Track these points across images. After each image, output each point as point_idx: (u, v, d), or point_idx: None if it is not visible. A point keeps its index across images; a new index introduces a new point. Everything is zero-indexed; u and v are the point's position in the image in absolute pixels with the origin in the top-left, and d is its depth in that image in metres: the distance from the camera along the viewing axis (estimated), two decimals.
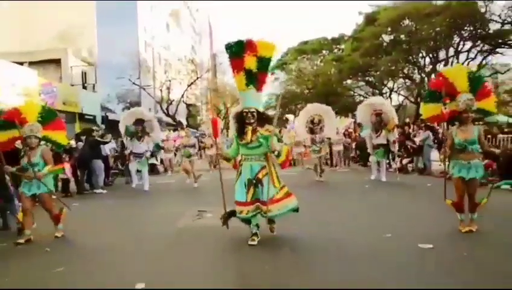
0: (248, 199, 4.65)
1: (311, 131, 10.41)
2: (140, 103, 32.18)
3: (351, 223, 5.65)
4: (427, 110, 5.30)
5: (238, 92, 4.89)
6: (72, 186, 9.89)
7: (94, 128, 11.49)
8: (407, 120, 17.82)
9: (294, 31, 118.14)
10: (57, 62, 23.81)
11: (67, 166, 9.41)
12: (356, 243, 4.55)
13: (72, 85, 23.77)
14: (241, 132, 4.78)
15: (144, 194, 9.39)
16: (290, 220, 5.01)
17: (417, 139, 11.68)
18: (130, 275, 3.80)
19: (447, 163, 5.00)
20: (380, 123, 9.88)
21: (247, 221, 4.82)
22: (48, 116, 5.56)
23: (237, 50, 4.58)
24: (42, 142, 5.57)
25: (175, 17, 45.78)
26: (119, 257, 4.46)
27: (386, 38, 29.90)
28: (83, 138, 10.71)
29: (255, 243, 4.57)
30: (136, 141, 9.89)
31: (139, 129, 9.89)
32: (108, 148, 10.45)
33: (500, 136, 13.26)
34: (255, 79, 4.62)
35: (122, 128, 10.14)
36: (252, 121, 4.67)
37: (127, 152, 10.41)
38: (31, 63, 21.86)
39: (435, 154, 11.32)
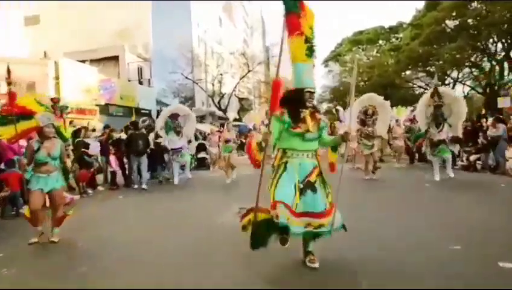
0: (295, 208, 3.39)
1: (363, 123, 9.49)
2: (194, 97, 33.01)
3: (411, 236, 4.61)
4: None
5: (293, 63, 3.56)
6: (120, 179, 10.06)
7: (141, 119, 11.58)
8: (483, 112, 16.27)
9: (349, 21, 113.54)
10: (115, 59, 24.94)
11: (113, 158, 9.61)
12: (419, 260, 3.75)
13: (129, 80, 24.75)
14: (295, 117, 3.58)
15: (185, 189, 9.28)
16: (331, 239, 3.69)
17: (491, 133, 10.36)
18: (162, 272, 3.61)
19: None
20: (441, 116, 8.83)
21: (282, 231, 3.41)
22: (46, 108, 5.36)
23: (294, 5, 3.48)
24: None
25: (228, 11, 46.22)
26: (155, 256, 4.28)
27: (450, 24, 27.57)
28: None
29: (317, 264, 3.58)
30: (174, 135, 9.72)
31: (176, 124, 9.79)
32: (152, 141, 10.51)
33: None
34: (311, 51, 3.54)
35: (160, 122, 9.99)
36: (312, 105, 3.65)
37: (163, 145, 9.94)
38: (92, 61, 23.04)
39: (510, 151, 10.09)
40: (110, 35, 25.89)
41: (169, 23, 30.44)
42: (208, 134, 15.25)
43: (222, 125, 19.93)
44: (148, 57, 26.00)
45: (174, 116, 9.88)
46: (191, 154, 10.31)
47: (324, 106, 44.45)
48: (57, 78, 17.73)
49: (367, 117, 9.43)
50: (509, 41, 25.48)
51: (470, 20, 26.06)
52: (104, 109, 20.40)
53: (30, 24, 27.98)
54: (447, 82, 30.41)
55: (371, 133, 9.46)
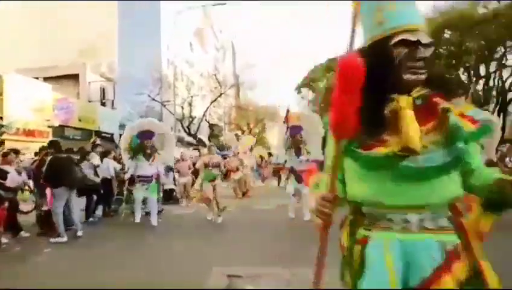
0: None
1: None
2: (162, 121, 31.01)
3: None
4: None
5: None
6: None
7: (91, 141, 9.56)
8: None
9: (321, 49, 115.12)
10: (75, 78, 22.82)
11: (49, 192, 7.30)
12: None
13: (90, 101, 22.58)
14: (375, 120, 1.42)
15: (151, 233, 6.93)
16: None
17: None
18: None
19: None
20: None
21: None
22: None
23: None
24: None
25: (199, 36, 45.22)
26: None
27: None
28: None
29: None
30: (143, 159, 7.52)
31: (148, 144, 7.58)
32: (112, 167, 8.42)
33: None
34: None
35: (124, 143, 7.77)
36: (423, 73, 1.44)
37: (127, 175, 7.74)
38: (49, 79, 20.81)
39: None
40: (71, 52, 23.89)
41: (137, 44, 28.90)
42: (178, 160, 12.23)
43: (196, 150, 18.04)
44: (112, 77, 23.99)
45: (145, 135, 7.69)
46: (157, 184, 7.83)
47: None
48: (0, 94, 15.38)
49: None
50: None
51: (442, 50, 26.15)
52: (59, 131, 18.08)
53: None
54: None
55: None
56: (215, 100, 29.15)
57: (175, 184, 11.38)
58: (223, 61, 44.07)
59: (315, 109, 38.87)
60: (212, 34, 52.98)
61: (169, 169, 8.72)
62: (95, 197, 8.07)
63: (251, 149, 14.04)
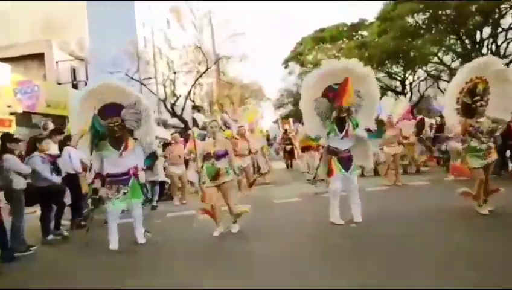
0: None
1: (466, 110, 5.32)
2: None
3: None
4: None
5: None
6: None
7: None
8: None
9: (307, 19, 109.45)
10: (40, 57, 20.12)
11: None
12: None
13: (59, 84, 19.99)
14: None
15: (136, 264, 4.52)
16: None
17: None
18: None
19: None
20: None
21: None
22: None
23: None
24: None
25: (175, 13, 42.37)
26: None
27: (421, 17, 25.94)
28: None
29: None
30: (110, 149, 4.94)
31: (116, 125, 4.98)
32: (77, 158, 6.20)
33: None
34: None
35: (76, 122, 5.08)
36: None
37: (89, 175, 5.12)
38: (8, 60, 18.10)
39: None
40: (34, 29, 21.13)
41: (109, 21, 26.34)
42: (166, 144, 9.88)
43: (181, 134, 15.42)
44: (83, 56, 21.36)
45: (108, 111, 5.00)
46: (141, 184, 5.26)
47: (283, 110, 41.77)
48: None
49: (476, 100, 5.21)
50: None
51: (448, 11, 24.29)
52: (24, 119, 15.65)
53: None
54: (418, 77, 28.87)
55: (486, 129, 5.26)
56: (203, 73, 26.49)
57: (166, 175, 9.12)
58: (200, 33, 40.82)
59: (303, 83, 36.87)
60: (189, 11, 49.99)
61: (153, 157, 5.73)
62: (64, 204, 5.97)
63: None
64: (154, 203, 8.25)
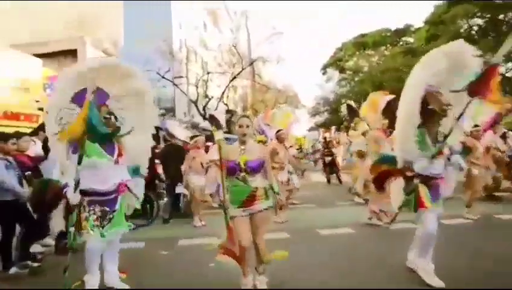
0: None
1: None
2: (175, 105, 28.05)
3: None
4: None
5: None
6: None
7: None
8: None
9: (348, 24, 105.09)
10: (73, 54, 19.86)
11: None
12: None
13: None
14: None
15: None
16: None
17: None
18: None
19: None
20: None
21: None
22: None
23: None
24: None
25: (212, 16, 42.03)
26: None
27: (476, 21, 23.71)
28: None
29: None
30: (98, 152, 3.43)
31: (107, 114, 3.54)
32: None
33: None
34: None
35: (54, 117, 3.38)
36: None
37: (69, 191, 3.31)
38: (42, 56, 17.86)
39: None
40: (69, 26, 20.93)
41: (145, 21, 26.05)
42: (186, 147, 7.74)
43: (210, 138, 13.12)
44: (116, 53, 20.91)
45: (100, 96, 3.55)
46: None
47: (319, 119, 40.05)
48: None
49: None
50: None
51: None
52: None
53: None
54: None
55: None
56: (238, 74, 25.20)
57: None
58: (237, 32, 39.74)
59: (343, 91, 35.14)
60: (225, 12, 49.62)
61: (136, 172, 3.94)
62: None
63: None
64: (166, 216, 7.04)
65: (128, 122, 3.68)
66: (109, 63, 3.81)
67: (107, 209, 3.42)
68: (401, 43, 32.08)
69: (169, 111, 28.81)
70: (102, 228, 3.35)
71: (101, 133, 3.41)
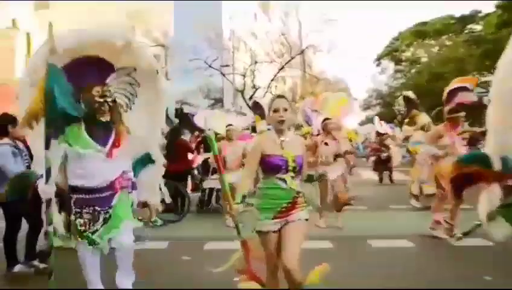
0: None
1: None
2: (223, 95, 28.03)
3: None
4: None
5: None
6: None
7: None
8: None
9: (406, 12, 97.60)
10: None
11: None
12: None
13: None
14: None
15: None
16: None
17: None
18: None
19: None
20: None
21: None
22: None
23: None
24: None
25: (263, 5, 41.49)
26: None
27: None
28: None
29: None
30: (91, 144, 2.79)
31: (105, 95, 2.80)
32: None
33: None
34: None
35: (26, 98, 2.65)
36: None
37: (47, 188, 2.64)
38: None
39: None
40: (119, 14, 21.38)
41: (195, 8, 26.02)
42: (222, 138, 6.54)
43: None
44: (165, 43, 20.99)
45: (89, 72, 2.85)
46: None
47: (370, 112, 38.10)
48: (29, 54, 12.96)
49: None
50: None
51: None
52: None
53: (40, 8, 24.22)
54: None
55: None
56: (287, 62, 24.49)
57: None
58: (287, 18, 38.48)
59: (397, 83, 33.01)
60: (278, 7, 48.91)
61: (148, 160, 3.42)
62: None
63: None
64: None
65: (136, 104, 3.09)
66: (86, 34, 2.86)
67: (98, 208, 2.82)
68: (466, 31, 29.33)
69: (218, 102, 28.71)
70: (93, 233, 2.78)
71: (68, 115, 2.68)
